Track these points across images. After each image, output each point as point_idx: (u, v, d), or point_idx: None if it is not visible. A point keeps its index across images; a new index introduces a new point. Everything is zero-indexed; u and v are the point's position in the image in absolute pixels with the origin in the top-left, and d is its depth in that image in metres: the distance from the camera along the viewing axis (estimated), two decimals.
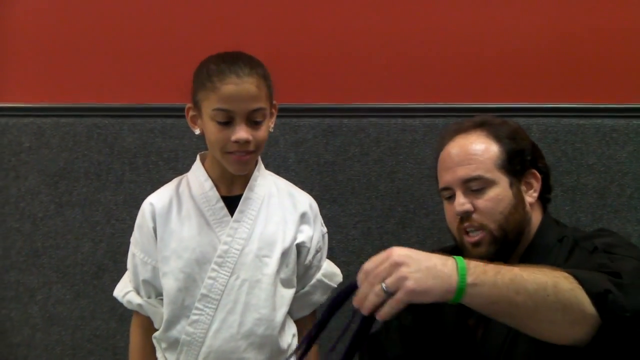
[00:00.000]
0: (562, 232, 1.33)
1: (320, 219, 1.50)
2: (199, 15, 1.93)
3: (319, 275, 1.49)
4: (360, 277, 1.04)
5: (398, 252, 1.03)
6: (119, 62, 1.94)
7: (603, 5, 1.87)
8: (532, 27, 1.88)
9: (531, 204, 1.34)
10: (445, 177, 1.35)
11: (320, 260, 1.50)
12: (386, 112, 1.90)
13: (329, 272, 1.52)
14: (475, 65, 1.89)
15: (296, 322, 1.51)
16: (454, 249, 1.37)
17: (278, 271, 1.45)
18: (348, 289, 1.07)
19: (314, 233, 1.47)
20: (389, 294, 1.00)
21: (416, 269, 1.01)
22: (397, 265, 1.01)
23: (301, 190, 1.54)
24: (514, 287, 1.03)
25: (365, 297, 1.02)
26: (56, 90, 1.96)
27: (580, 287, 1.06)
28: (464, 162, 1.32)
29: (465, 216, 1.31)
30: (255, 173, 1.47)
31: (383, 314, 1.01)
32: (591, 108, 1.86)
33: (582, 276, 1.08)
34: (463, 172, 1.32)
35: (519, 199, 1.32)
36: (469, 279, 1.02)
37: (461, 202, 1.31)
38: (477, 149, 1.33)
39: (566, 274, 1.08)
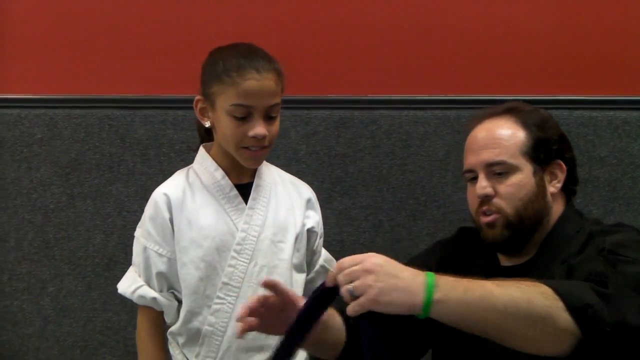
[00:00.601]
0: (581, 224, 1.33)
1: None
2: (210, 7, 1.94)
3: (321, 261, 1.52)
4: (335, 269, 1.07)
5: (372, 260, 1.05)
6: (130, 54, 1.95)
7: None
8: (544, 19, 1.89)
9: (553, 194, 1.34)
10: (470, 160, 1.36)
11: (321, 246, 1.53)
12: (398, 104, 1.91)
13: (328, 258, 1.55)
14: (487, 57, 1.90)
15: None
16: (469, 231, 1.40)
17: (292, 256, 1.47)
18: (325, 293, 1.10)
19: (319, 218, 1.51)
20: (355, 297, 1.03)
21: (383, 280, 1.03)
22: (367, 272, 1.03)
23: (299, 179, 1.57)
24: (482, 304, 1.05)
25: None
26: (68, 81, 1.97)
27: (560, 301, 1.07)
28: (489, 145, 1.33)
29: (485, 199, 1.32)
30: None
31: (349, 310, 1.04)
32: (604, 100, 1.86)
33: (564, 290, 1.09)
34: (487, 155, 1.32)
35: (540, 187, 1.32)
36: (436, 296, 1.04)
37: (483, 185, 1.32)
38: (504, 134, 1.33)
39: (545, 289, 1.09)
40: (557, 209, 1.35)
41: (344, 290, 1.04)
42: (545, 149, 1.33)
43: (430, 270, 1.35)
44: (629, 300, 1.10)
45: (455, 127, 1.86)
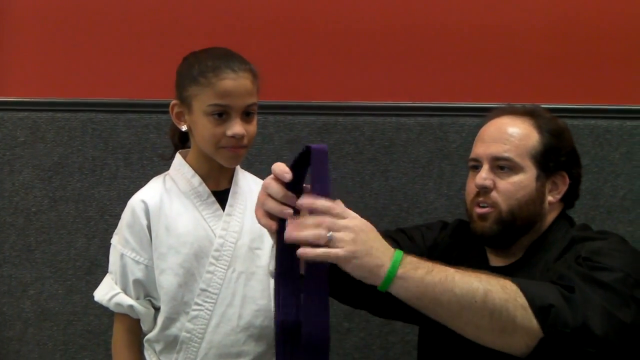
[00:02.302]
0: (569, 230, 1.35)
1: None
2: (194, 13, 1.94)
3: None
4: (308, 203, 1.03)
5: (356, 221, 1.05)
6: (114, 58, 1.95)
7: (598, 5, 1.89)
8: (527, 28, 1.89)
9: (551, 204, 1.36)
10: (478, 149, 1.37)
11: None
12: (381, 110, 1.91)
13: None
14: (470, 65, 1.91)
15: None
16: (465, 226, 1.42)
17: (269, 263, 1.47)
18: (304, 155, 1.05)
19: None
20: (327, 246, 1.02)
21: (360, 244, 1.04)
22: (349, 229, 1.03)
23: None
24: (440, 288, 1.07)
25: (304, 228, 1.02)
26: (52, 84, 1.97)
27: (524, 298, 1.09)
28: (499, 139, 1.34)
29: (483, 191, 1.33)
30: (237, 168, 1.50)
31: (310, 254, 1.01)
32: (585, 109, 1.87)
33: (529, 288, 1.11)
34: (495, 148, 1.33)
35: (540, 193, 1.34)
36: (399, 272, 1.05)
37: (483, 176, 1.33)
38: (517, 132, 1.34)
39: (509, 284, 1.11)
40: (550, 217, 1.36)
41: (322, 234, 1.03)
42: (553, 158, 1.34)
43: (423, 245, 1.47)
44: (593, 306, 1.12)
45: (438, 134, 1.87)
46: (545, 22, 1.89)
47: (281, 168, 1.05)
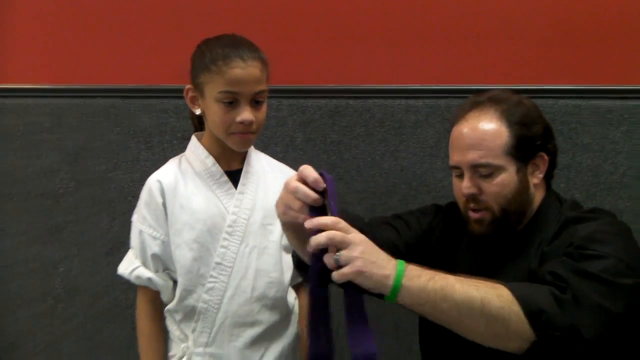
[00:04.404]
0: (559, 209, 1.35)
1: None
2: (209, 2, 1.93)
3: None
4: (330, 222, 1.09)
5: (359, 236, 1.10)
6: (134, 46, 1.95)
7: None
8: (530, 9, 1.86)
9: (536, 184, 1.35)
10: (455, 157, 1.35)
11: None
12: (390, 93, 1.90)
13: None
14: (476, 48, 1.88)
15: (293, 288, 1.58)
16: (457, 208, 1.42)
17: (281, 238, 1.49)
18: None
19: None
20: (339, 266, 1.08)
21: (367, 257, 1.09)
22: (354, 244, 1.08)
23: (287, 166, 1.59)
24: (441, 295, 1.11)
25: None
26: (74, 72, 1.97)
27: (517, 305, 1.12)
28: (474, 146, 1.32)
29: (471, 198, 1.33)
30: (251, 148, 1.52)
31: (335, 277, 1.08)
32: (588, 89, 1.85)
33: (522, 294, 1.13)
34: (472, 157, 1.32)
35: (524, 182, 1.33)
36: (403, 281, 1.10)
37: (467, 185, 1.32)
38: (488, 133, 1.31)
39: (504, 292, 1.13)
40: (539, 195, 1.36)
41: (329, 258, 1.08)
42: (528, 147, 1.33)
43: (420, 229, 1.45)
44: (585, 304, 1.14)
45: (446, 115, 1.85)
46: (548, 4, 1.85)
47: (314, 176, 1.10)
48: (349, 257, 1.08)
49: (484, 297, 1.12)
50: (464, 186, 1.33)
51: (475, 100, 1.36)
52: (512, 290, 1.13)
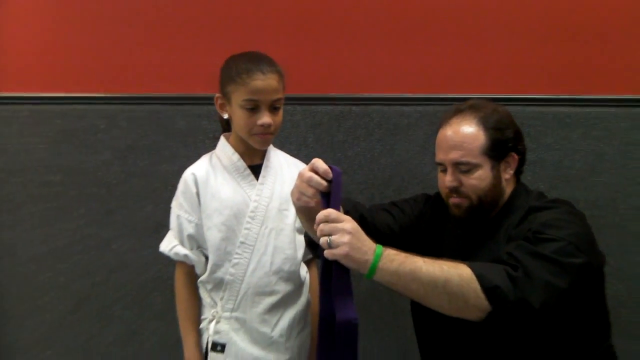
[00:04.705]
0: (526, 199, 1.43)
1: None
2: (225, 20, 2.01)
3: None
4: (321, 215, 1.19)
5: (351, 225, 1.19)
6: (174, 60, 2.04)
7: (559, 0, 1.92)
8: (505, 32, 1.96)
9: (507, 179, 1.44)
10: (440, 155, 1.43)
11: None
12: (387, 100, 2.00)
13: None
14: (459, 63, 1.98)
15: (304, 263, 1.67)
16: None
17: (294, 221, 1.59)
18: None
19: None
20: (330, 247, 1.19)
21: (353, 243, 1.18)
22: (345, 232, 1.18)
23: (300, 162, 1.67)
24: (410, 277, 1.19)
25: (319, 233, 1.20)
26: (124, 82, 2.07)
27: (476, 283, 1.19)
28: (456, 147, 1.39)
29: (453, 189, 1.43)
30: (270, 146, 1.61)
31: (327, 254, 1.19)
32: (551, 99, 1.97)
33: (481, 272, 1.21)
34: (454, 155, 1.40)
35: (497, 178, 1.41)
36: (379, 264, 1.19)
37: (450, 179, 1.41)
38: (468, 136, 1.38)
39: (466, 271, 1.20)
40: (509, 188, 1.46)
41: (323, 239, 1.19)
42: (501, 148, 1.41)
43: (413, 215, 1.52)
44: (535, 280, 1.21)
45: (433, 119, 1.91)
46: (519, 30, 1.95)
47: (324, 167, 1.19)
48: (338, 242, 1.18)
49: (447, 277, 1.19)
50: (447, 180, 1.42)
51: (458, 107, 1.45)
52: (472, 269, 1.22)
